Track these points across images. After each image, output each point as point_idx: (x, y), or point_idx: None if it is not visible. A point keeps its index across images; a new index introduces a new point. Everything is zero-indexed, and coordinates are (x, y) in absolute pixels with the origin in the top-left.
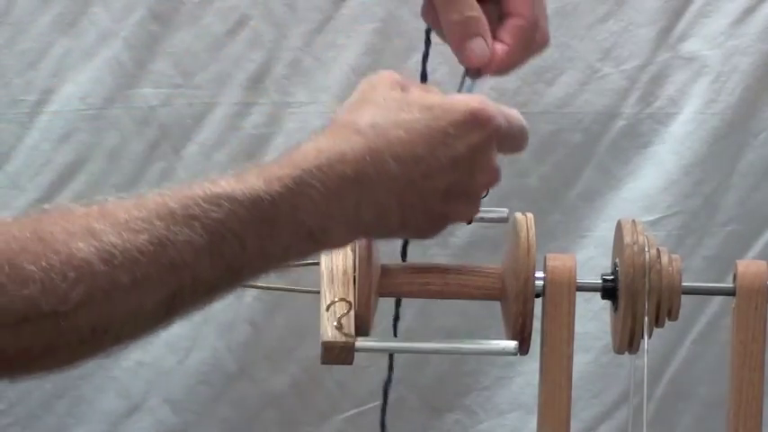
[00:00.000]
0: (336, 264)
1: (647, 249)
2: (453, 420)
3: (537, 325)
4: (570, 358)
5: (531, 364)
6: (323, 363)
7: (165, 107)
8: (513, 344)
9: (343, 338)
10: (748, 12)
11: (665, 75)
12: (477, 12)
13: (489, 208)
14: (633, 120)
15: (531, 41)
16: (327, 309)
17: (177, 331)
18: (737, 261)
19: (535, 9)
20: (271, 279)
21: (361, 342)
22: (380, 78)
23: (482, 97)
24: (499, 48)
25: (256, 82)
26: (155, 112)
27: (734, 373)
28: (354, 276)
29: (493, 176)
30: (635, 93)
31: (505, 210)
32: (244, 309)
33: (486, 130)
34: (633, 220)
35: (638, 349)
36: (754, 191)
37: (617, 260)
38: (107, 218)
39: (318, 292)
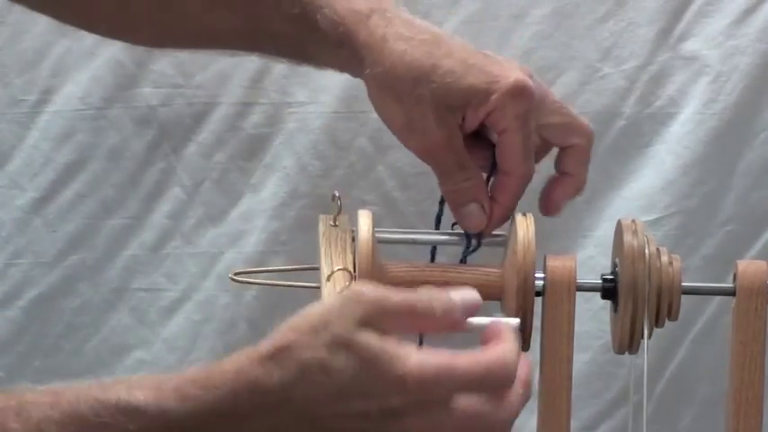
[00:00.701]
0: (336, 263)
1: (647, 249)
2: None
3: (536, 324)
4: (570, 358)
5: None
6: None
7: (165, 107)
8: (515, 321)
9: None
10: (748, 12)
11: (665, 75)
12: (471, 179)
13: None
14: (633, 120)
15: (522, 193)
16: (328, 279)
17: (177, 330)
18: (737, 261)
19: (581, 166)
20: (271, 277)
21: None
22: (352, 308)
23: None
24: (496, 210)
25: (256, 82)
26: (155, 112)
27: (734, 373)
28: (354, 276)
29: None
30: (635, 93)
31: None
32: (243, 308)
33: (408, 400)
34: (633, 220)
35: (637, 349)
36: (753, 191)
37: (617, 260)
38: (21, 416)
39: (318, 288)
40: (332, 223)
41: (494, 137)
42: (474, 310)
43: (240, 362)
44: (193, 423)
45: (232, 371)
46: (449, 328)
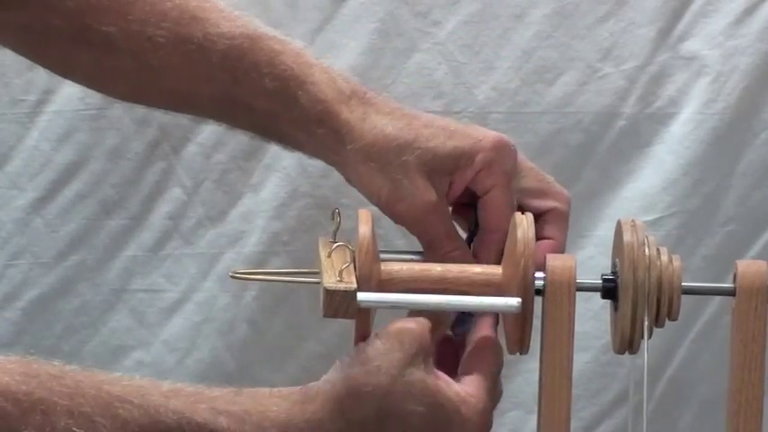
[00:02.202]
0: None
1: (647, 249)
2: None
3: (537, 324)
4: (570, 358)
5: (530, 364)
6: (325, 316)
7: None
8: (516, 300)
9: (344, 285)
10: (748, 12)
11: (664, 75)
12: (459, 250)
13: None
14: (633, 120)
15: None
16: (329, 256)
17: (177, 331)
18: (737, 261)
19: (561, 231)
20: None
21: (363, 295)
22: (415, 343)
23: (478, 405)
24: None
25: None
26: (155, 112)
27: (734, 373)
28: (353, 255)
29: None
30: (635, 93)
31: None
32: (243, 308)
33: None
34: (633, 220)
35: (638, 349)
36: (753, 191)
37: (617, 260)
38: (109, 412)
39: (318, 284)
40: (331, 240)
41: (475, 199)
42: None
43: (321, 410)
44: None
45: (314, 419)
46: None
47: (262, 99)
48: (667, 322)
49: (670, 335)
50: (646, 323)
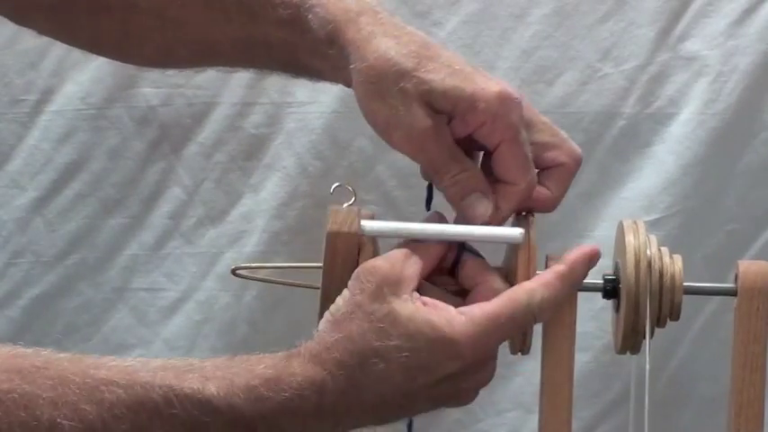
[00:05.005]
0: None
1: (648, 249)
2: (453, 419)
3: (537, 324)
4: (572, 358)
5: (530, 364)
6: (326, 255)
7: (165, 107)
8: (518, 231)
9: (347, 228)
10: (748, 12)
11: (664, 75)
12: (468, 170)
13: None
14: (633, 120)
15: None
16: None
17: (177, 330)
18: (739, 261)
19: (562, 187)
20: (273, 272)
21: (366, 222)
22: (374, 278)
23: (467, 325)
24: (499, 216)
25: (256, 82)
26: (155, 112)
27: (735, 373)
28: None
29: (483, 379)
30: (635, 93)
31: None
32: (244, 308)
33: (466, 363)
34: (635, 221)
35: (639, 349)
36: (753, 191)
37: (618, 260)
38: (94, 396)
39: (318, 288)
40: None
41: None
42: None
43: (305, 364)
44: (261, 422)
45: (300, 374)
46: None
47: (278, 31)
48: (668, 322)
49: (670, 335)
50: (647, 323)
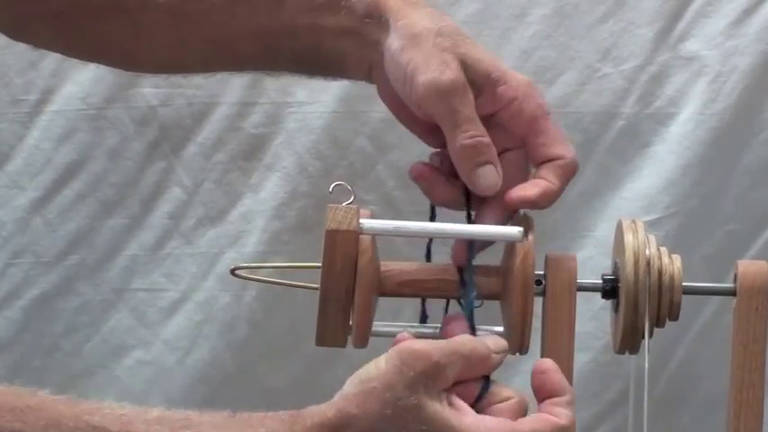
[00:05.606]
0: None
1: (647, 249)
2: None
3: (537, 324)
4: (571, 358)
5: (530, 364)
6: (325, 253)
7: (165, 107)
8: (517, 229)
9: (346, 226)
10: (748, 12)
11: (664, 75)
12: (476, 132)
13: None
14: (633, 120)
15: (568, 181)
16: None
17: (177, 330)
18: (738, 261)
19: (562, 179)
20: (272, 272)
21: (366, 220)
22: (417, 366)
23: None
24: (543, 183)
25: (256, 82)
26: (155, 112)
27: (734, 373)
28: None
29: None
30: (634, 93)
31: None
32: (243, 308)
33: None
34: (633, 220)
35: (638, 349)
36: (753, 191)
37: (617, 260)
38: None
39: (317, 289)
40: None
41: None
42: (505, 356)
43: (308, 427)
44: None
45: None
46: (488, 370)
47: (306, 16)
48: (667, 322)
49: (670, 335)
50: (647, 323)
